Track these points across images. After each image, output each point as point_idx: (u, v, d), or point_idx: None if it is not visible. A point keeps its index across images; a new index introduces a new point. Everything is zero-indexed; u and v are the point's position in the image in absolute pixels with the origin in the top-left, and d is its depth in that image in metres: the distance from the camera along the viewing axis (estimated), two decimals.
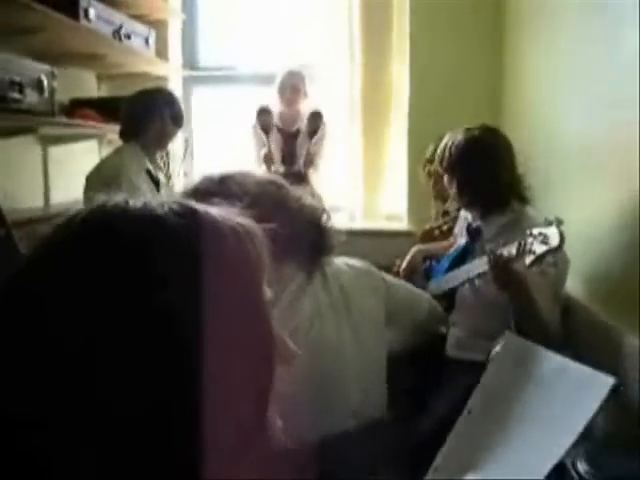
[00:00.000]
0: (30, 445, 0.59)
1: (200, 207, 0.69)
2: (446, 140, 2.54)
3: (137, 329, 0.60)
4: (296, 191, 1.71)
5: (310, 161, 4.28)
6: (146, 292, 0.60)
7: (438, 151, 2.59)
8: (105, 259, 0.61)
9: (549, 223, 2.01)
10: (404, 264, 2.81)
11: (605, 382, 1.02)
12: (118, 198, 0.67)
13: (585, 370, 1.07)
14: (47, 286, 0.62)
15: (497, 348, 2.00)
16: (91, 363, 0.59)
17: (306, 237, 1.64)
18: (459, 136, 2.47)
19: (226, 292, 0.65)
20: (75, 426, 0.58)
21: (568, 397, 1.01)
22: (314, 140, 4.29)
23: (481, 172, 2.40)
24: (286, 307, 1.61)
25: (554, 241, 1.95)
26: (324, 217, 1.74)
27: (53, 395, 0.59)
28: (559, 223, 1.99)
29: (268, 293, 0.72)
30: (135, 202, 0.67)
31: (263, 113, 4.30)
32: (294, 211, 1.62)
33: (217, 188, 1.56)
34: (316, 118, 4.31)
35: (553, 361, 1.09)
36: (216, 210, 0.70)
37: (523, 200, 2.43)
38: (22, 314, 0.62)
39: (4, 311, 0.63)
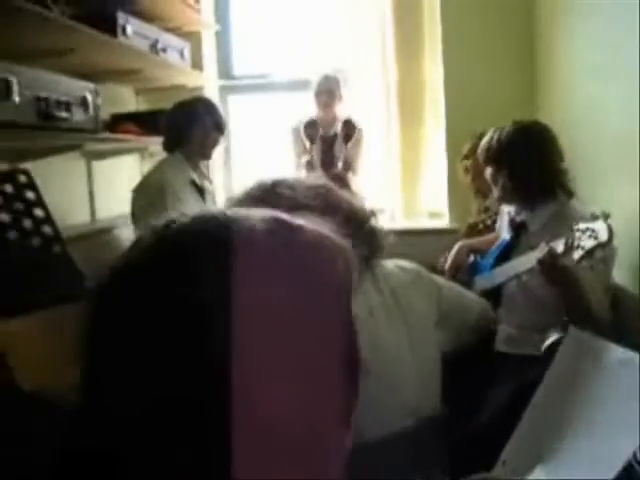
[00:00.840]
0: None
1: (299, 222, 0.67)
2: (491, 133, 2.54)
3: (208, 348, 0.59)
4: (345, 193, 1.74)
5: (348, 165, 4.32)
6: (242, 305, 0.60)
7: (481, 144, 2.57)
8: (176, 282, 0.61)
9: (596, 217, 2.00)
10: (449, 261, 2.81)
11: None
12: (186, 216, 0.67)
13: (636, 356, 1.07)
14: (124, 307, 0.63)
15: (548, 341, 2.01)
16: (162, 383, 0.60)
17: (357, 239, 1.66)
18: (506, 128, 2.48)
19: (321, 314, 0.65)
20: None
21: (633, 389, 1.01)
22: (349, 145, 4.33)
23: (530, 162, 2.40)
24: None
25: (603, 236, 1.94)
26: (373, 218, 1.76)
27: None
28: (606, 217, 1.98)
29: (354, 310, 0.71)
30: (234, 214, 0.66)
31: (311, 125, 4.39)
32: (345, 212, 1.64)
33: (270, 193, 1.59)
34: (350, 125, 4.36)
35: (617, 353, 1.09)
36: (312, 227, 0.68)
37: (568, 193, 2.42)
38: (109, 336, 0.63)
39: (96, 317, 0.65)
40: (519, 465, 1.02)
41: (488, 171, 2.54)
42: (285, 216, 0.68)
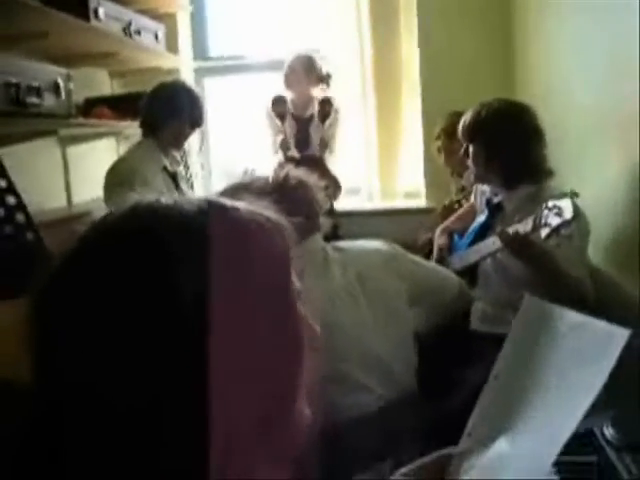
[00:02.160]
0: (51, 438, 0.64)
1: (229, 204, 0.71)
2: (473, 110, 2.50)
3: (164, 324, 0.62)
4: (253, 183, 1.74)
5: (324, 145, 4.31)
6: (174, 289, 0.63)
7: (462, 121, 2.52)
8: (137, 259, 0.64)
9: (564, 195, 2.02)
10: (435, 249, 2.83)
11: (620, 335, 1.04)
12: (149, 198, 0.70)
13: (600, 324, 1.09)
14: (80, 287, 0.65)
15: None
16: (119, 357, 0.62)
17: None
18: (489, 105, 2.46)
19: (258, 285, 0.67)
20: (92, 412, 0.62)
21: (585, 353, 1.03)
22: (326, 125, 4.32)
23: (511, 142, 2.38)
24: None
25: (568, 213, 1.96)
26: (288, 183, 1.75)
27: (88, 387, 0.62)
28: (573, 195, 2.00)
29: (297, 283, 0.74)
30: (166, 201, 0.70)
31: (278, 101, 4.35)
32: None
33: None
34: (326, 104, 4.34)
35: (571, 318, 1.11)
36: (245, 206, 0.72)
37: (546, 173, 2.42)
38: (59, 312, 0.65)
39: (42, 306, 0.67)
40: (483, 436, 1.04)
41: (470, 149, 2.50)
42: (219, 198, 0.72)
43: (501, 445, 1.03)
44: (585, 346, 1.02)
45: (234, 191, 1.66)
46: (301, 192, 1.73)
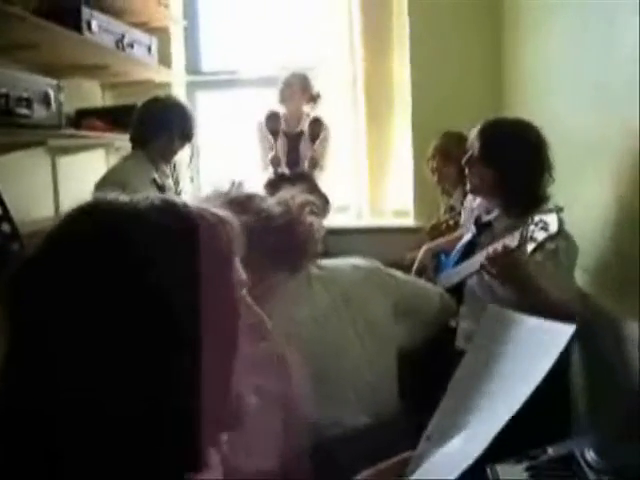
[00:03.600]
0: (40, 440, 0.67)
1: (180, 201, 0.78)
2: (490, 124, 2.43)
3: (118, 313, 0.69)
4: (261, 201, 1.73)
5: (315, 163, 4.33)
6: (125, 273, 0.70)
7: (470, 140, 2.46)
8: (91, 249, 0.71)
9: (549, 210, 2.03)
10: (415, 264, 2.83)
11: (566, 330, 1.06)
12: (110, 195, 0.77)
13: (550, 324, 1.12)
14: (42, 276, 0.71)
15: None
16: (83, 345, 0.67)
17: (279, 244, 1.67)
18: (502, 122, 2.43)
19: (198, 269, 0.73)
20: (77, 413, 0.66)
21: (535, 351, 1.06)
22: (316, 144, 4.34)
23: (529, 171, 2.32)
24: (283, 313, 1.62)
25: (553, 227, 1.96)
26: (295, 220, 1.75)
27: (58, 387, 0.67)
28: (558, 210, 2.00)
29: (242, 275, 0.81)
30: (123, 197, 0.76)
31: (272, 117, 4.38)
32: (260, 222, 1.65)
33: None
34: (316, 124, 4.36)
35: (526, 322, 1.14)
36: (196, 204, 0.79)
37: (545, 199, 2.35)
38: (23, 304, 0.70)
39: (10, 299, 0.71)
40: (441, 438, 1.05)
41: (475, 160, 2.43)
42: (174, 197, 0.80)
43: (454, 443, 1.04)
44: (535, 347, 1.05)
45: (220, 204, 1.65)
46: (302, 220, 1.74)
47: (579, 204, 2.53)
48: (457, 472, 0.94)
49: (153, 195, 0.77)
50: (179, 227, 0.74)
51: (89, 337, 0.67)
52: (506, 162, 2.35)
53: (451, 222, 3.25)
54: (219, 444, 0.83)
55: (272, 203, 1.72)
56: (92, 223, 0.74)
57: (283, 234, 1.66)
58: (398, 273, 2.09)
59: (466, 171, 2.49)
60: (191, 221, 0.75)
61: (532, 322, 1.14)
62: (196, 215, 0.76)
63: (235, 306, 0.78)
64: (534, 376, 0.99)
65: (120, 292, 0.69)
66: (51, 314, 0.68)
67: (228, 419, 0.78)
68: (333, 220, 4.32)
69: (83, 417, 0.66)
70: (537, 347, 1.07)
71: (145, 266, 0.70)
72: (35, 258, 0.74)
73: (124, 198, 0.76)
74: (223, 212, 0.81)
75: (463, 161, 2.48)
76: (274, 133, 4.35)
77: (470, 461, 0.96)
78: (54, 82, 2.98)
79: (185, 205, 0.77)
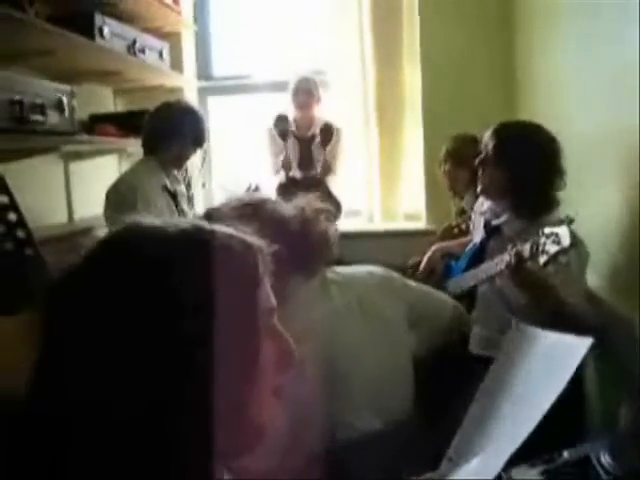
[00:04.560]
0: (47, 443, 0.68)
1: (207, 227, 0.80)
2: (503, 128, 2.43)
3: (149, 335, 0.70)
4: (276, 205, 1.74)
5: (327, 168, 4.34)
6: (154, 300, 0.71)
7: (484, 141, 2.46)
8: (122, 279, 0.72)
9: (561, 222, 2.01)
10: (423, 263, 2.82)
11: (583, 343, 1.05)
12: (138, 220, 0.78)
13: (567, 338, 1.11)
14: (72, 306, 0.72)
15: None
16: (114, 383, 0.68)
17: (295, 249, 1.67)
18: (524, 129, 2.43)
19: (224, 297, 0.73)
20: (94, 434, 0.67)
21: (549, 365, 1.05)
22: (328, 149, 4.34)
23: (541, 176, 2.31)
24: (298, 315, 1.63)
25: (565, 241, 1.93)
26: (311, 225, 1.75)
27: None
28: (570, 222, 1.99)
29: (271, 302, 0.82)
30: (153, 223, 0.78)
31: (281, 120, 4.37)
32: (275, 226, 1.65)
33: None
34: (327, 130, 4.38)
35: (546, 338, 1.13)
36: (223, 230, 0.80)
37: (556, 205, 2.35)
38: (52, 334, 0.72)
39: (46, 319, 0.73)
40: (464, 459, 1.05)
41: (487, 161, 2.43)
42: (203, 223, 0.81)
43: (472, 463, 1.04)
44: (553, 361, 1.04)
45: (238, 210, 1.66)
46: (317, 226, 1.74)
47: (593, 207, 2.53)
48: None
49: (183, 221, 0.79)
50: (205, 255, 0.75)
51: (115, 358, 0.69)
52: (518, 163, 2.34)
53: (463, 226, 3.24)
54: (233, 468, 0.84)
55: (287, 207, 1.73)
56: (123, 251, 0.75)
57: (298, 238, 1.66)
58: (414, 283, 2.09)
59: (479, 172, 2.49)
60: (218, 249, 0.76)
61: (552, 338, 1.13)
62: (223, 242, 0.78)
63: (258, 333, 0.78)
64: (551, 391, 0.99)
65: (148, 318, 0.70)
66: (82, 333, 0.70)
67: (246, 446, 0.79)
68: (345, 224, 4.33)
69: (99, 432, 0.67)
70: (555, 362, 1.06)
71: (171, 293, 0.71)
72: (71, 278, 0.75)
73: (154, 223, 0.78)
74: (251, 237, 0.82)
75: (476, 161, 2.48)
76: (283, 136, 4.36)
77: (489, 477, 0.95)
78: (67, 88, 3.00)
79: (212, 231, 0.79)
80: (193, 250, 0.75)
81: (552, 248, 1.96)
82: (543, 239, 1.99)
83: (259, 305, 0.79)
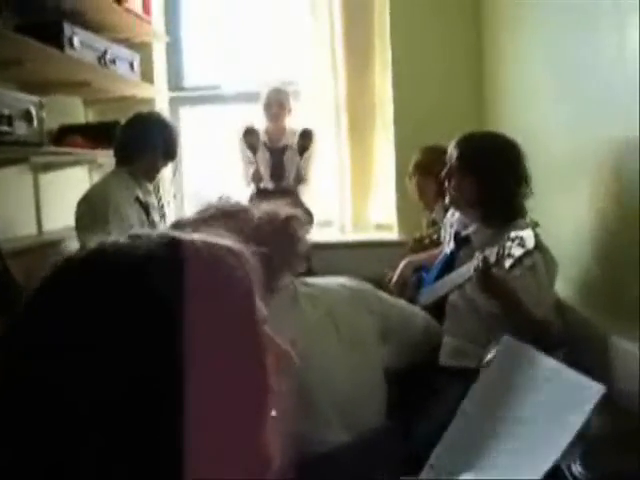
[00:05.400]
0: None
1: (189, 238, 0.72)
2: (466, 138, 2.46)
3: (137, 353, 0.63)
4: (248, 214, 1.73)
5: (301, 178, 4.34)
6: (142, 322, 0.64)
7: (448, 153, 2.49)
8: (103, 294, 0.65)
9: (526, 226, 2.04)
10: (395, 277, 2.83)
11: (596, 390, 1.05)
12: (112, 238, 0.71)
13: (578, 377, 1.10)
14: (48, 327, 0.65)
15: (490, 354, 2.04)
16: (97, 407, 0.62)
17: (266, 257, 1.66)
18: (485, 138, 2.47)
19: (220, 314, 0.68)
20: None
21: (562, 402, 1.04)
22: (304, 157, 4.35)
23: (507, 183, 2.34)
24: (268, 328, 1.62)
25: (530, 243, 1.97)
26: (281, 233, 1.74)
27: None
28: (534, 225, 2.02)
29: (263, 310, 0.74)
30: (126, 241, 0.70)
31: (249, 133, 4.36)
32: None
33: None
34: (307, 136, 4.37)
35: (547, 364, 1.13)
36: (205, 238, 0.73)
37: (522, 213, 2.37)
38: (26, 354, 0.65)
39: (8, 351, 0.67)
40: (447, 469, 1.05)
41: (453, 172, 2.45)
42: (178, 233, 0.73)
43: (464, 478, 1.03)
44: (563, 396, 1.03)
45: (210, 217, 1.66)
46: (289, 231, 1.73)
47: (559, 217, 2.55)
48: None
49: (155, 234, 0.72)
50: (192, 269, 0.68)
51: (93, 382, 0.62)
52: (482, 171, 2.38)
53: (434, 236, 3.25)
54: None
55: (259, 214, 1.72)
56: (98, 268, 0.68)
57: (271, 244, 1.66)
58: (386, 295, 2.09)
59: (445, 184, 2.51)
60: (205, 260, 0.70)
61: (551, 365, 1.13)
62: (210, 253, 0.71)
63: (262, 348, 0.72)
64: (566, 432, 0.98)
65: (132, 344, 0.63)
66: (55, 355, 0.64)
67: (256, 467, 0.71)
68: (317, 235, 4.32)
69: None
70: (565, 400, 1.05)
71: (162, 306, 0.65)
72: (41, 299, 0.69)
73: (126, 239, 0.70)
74: (236, 244, 0.75)
75: (442, 173, 2.50)
76: (253, 148, 4.35)
77: None
78: (36, 99, 2.97)
79: (193, 242, 0.71)
80: (174, 265, 0.67)
81: (517, 251, 1.99)
82: (509, 243, 2.01)
83: (258, 317, 0.73)
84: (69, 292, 0.67)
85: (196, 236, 0.73)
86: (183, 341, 0.64)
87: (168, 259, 0.68)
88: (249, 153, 4.35)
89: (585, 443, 1.42)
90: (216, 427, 0.65)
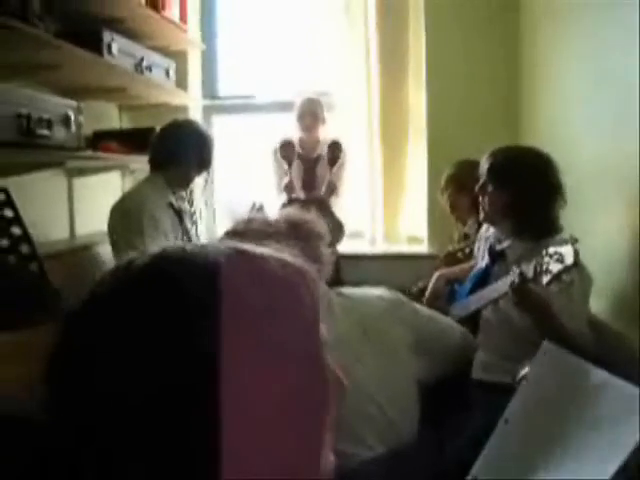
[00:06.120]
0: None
1: (257, 253, 0.70)
2: (502, 153, 2.46)
3: (185, 375, 0.61)
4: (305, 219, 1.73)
5: (332, 189, 4.35)
6: (199, 339, 0.61)
7: (481, 167, 2.49)
8: (164, 308, 0.63)
9: (564, 242, 2.02)
10: (428, 290, 2.82)
11: None
12: (176, 246, 0.69)
13: (629, 388, 1.08)
14: (102, 335, 0.63)
15: (524, 370, 2.01)
16: (151, 420, 0.60)
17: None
18: (521, 153, 2.46)
19: (287, 336, 0.66)
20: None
21: (614, 415, 1.01)
22: (334, 169, 4.35)
23: (541, 198, 2.34)
24: None
25: (569, 259, 1.94)
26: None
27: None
28: (574, 241, 1.99)
29: (324, 332, 0.73)
30: (192, 249, 0.68)
31: (286, 145, 4.40)
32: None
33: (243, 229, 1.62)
34: (336, 147, 4.38)
35: (594, 374, 1.10)
36: (272, 255, 0.70)
37: (558, 229, 2.37)
38: (77, 363, 0.64)
39: (61, 358, 0.65)
40: None
41: (488, 188, 2.45)
42: (247, 246, 0.70)
43: None
44: (615, 408, 1.00)
45: (241, 231, 1.66)
46: (312, 238, 1.72)
47: (592, 231, 2.53)
48: None
49: (222, 246, 0.69)
50: (260, 286, 0.66)
51: (149, 400, 0.60)
52: (514, 185, 2.37)
53: (467, 250, 3.23)
54: None
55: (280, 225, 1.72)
56: (158, 278, 0.65)
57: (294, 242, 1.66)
58: (418, 306, 2.08)
59: (479, 199, 2.50)
60: (275, 279, 0.68)
61: (600, 376, 1.09)
62: (279, 272, 0.68)
63: (326, 370, 0.71)
64: (620, 447, 0.96)
65: (185, 355, 0.61)
66: (109, 367, 0.62)
67: None
68: (347, 246, 4.31)
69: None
70: (617, 413, 1.02)
71: (227, 321, 0.62)
72: (93, 308, 0.66)
73: (193, 249, 0.68)
74: (303, 263, 0.72)
75: (476, 188, 2.49)
76: (288, 160, 4.38)
77: None
78: (75, 104, 3.00)
79: (263, 258, 0.69)
80: (243, 279, 0.65)
81: (555, 267, 1.96)
82: (547, 258, 1.99)
83: (322, 340, 0.72)
84: (130, 299, 0.65)
85: (266, 251, 0.70)
86: (248, 356, 0.62)
87: (237, 273, 0.66)
88: (285, 165, 4.37)
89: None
90: (278, 445, 0.64)
